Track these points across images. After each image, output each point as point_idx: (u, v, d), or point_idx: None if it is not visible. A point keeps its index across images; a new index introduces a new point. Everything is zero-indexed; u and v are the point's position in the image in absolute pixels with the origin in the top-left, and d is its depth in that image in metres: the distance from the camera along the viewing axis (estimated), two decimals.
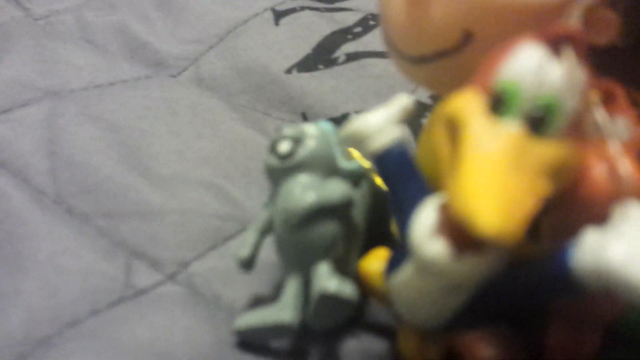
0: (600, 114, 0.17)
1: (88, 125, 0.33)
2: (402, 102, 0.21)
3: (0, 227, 0.27)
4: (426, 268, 0.17)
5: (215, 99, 0.37)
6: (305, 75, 0.38)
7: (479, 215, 0.15)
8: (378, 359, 0.23)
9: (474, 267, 0.17)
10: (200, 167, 0.31)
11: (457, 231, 0.17)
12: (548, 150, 0.16)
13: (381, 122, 0.20)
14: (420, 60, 0.20)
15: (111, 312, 0.24)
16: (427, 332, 0.22)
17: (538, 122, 0.16)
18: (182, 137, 0.33)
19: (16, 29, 0.43)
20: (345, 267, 0.23)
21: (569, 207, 0.17)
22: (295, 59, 0.39)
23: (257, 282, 0.25)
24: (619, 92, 0.19)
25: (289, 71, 0.38)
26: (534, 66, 0.16)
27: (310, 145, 0.23)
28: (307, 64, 0.39)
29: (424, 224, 0.17)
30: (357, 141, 0.20)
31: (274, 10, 0.43)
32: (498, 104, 0.16)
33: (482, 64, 0.17)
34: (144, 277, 0.25)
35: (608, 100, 0.18)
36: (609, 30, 0.20)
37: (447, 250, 0.17)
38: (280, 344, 0.23)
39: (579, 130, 0.17)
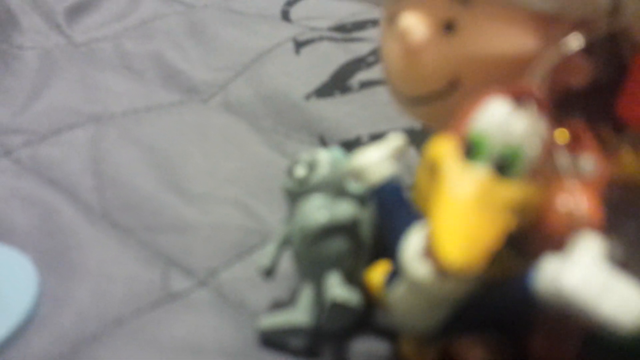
0: (562, 155, 0.20)
1: (128, 147, 0.37)
2: (395, 141, 0.24)
3: (54, 239, 0.31)
4: (415, 286, 0.21)
5: (242, 123, 0.41)
6: (323, 102, 0.41)
7: (445, 251, 0.18)
8: (382, 359, 0.26)
9: (454, 286, 0.20)
10: (228, 186, 0.35)
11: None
12: (512, 191, 0.19)
13: (377, 160, 0.24)
14: (414, 100, 0.23)
15: (151, 313, 0.28)
16: (425, 336, 0.25)
17: (504, 167, 0.19)
18: (212, 158, 0.37)
19: (60, 55, 0.47)
20: (353, 278, 0.26)
21: (536, 236, 0.20)
22: (313, 86, 0.42)
23: (277, 289, 0.28)
24: (585, 131, 0.22)
25: (307, 97, 0.41)
26: (500, 119, 0.19)
27: (322, 170, 0.26)
28: (324, 91, 0.42)
29: (413, 248, 0.21)
30: (357, 175, 0.24)
31: (295, 41, 0.47)
32: (470, 151, 0.19)
33: (458, 114, 0.20)
34: (178, 283, 0.29)
35: (574, 139, 0.22)
36: (582, 74, 0.23)
37: (432, 272, 0.20)
38: (296, 343, 0.26)
39: (542, 171, 0.20)
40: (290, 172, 0.27)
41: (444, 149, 0.20)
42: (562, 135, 0.21)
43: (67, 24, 0.51)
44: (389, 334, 0.26)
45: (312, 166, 0.26)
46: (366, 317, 0.27)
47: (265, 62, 0.46)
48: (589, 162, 0.21)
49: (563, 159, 0.21)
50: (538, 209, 0.20)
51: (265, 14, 0.53)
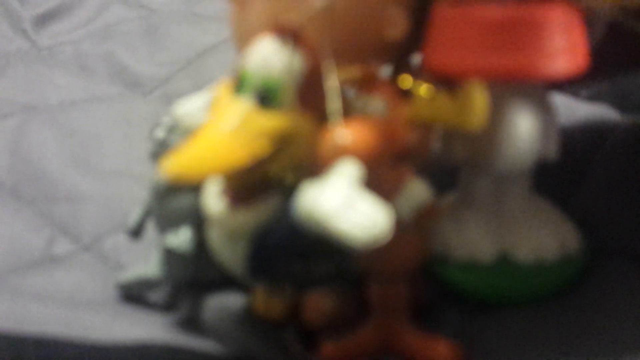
0: (354, 96, 0.21)
1: (50, 131, 0.39)
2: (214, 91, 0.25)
3: None
4: (213, 221, 0.22)
5: None
6: None
7: (174, 163, 0.19)
8: (235, 313, 0.27)
9: (244, 217, 0.22)
10: (139, 164, 0.36)
11: (233, 192, 0.22)
12: (270, 121, 0.20)
13: (193, 108, 0.25)
14: None
15: (29, 271, 0.29)
16: (272, 290, 0.26)
17: (265, 99, 0.20)
18: (132, 141, 0.39)
19: (17, 57, 0.50)
20: None
21: (314, 168, 0.21)
22: None
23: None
24: (378, 76, 0.23)
25: None
26: (262, 55, 0.21)
27: (181, 131, 0.27)
28: None
29: (212, 189, 0.22)
30: (177, 124, 0.25)
31: None
32: (238, 86, 0.21)
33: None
34: (62, 247, 0.31)
35: (369, 82, 0.22)
36: (398, 27, 0.24)
37: (224, 206, 0.22)
38: (155, 298, 0.28)
39: (310, 105, 0.21)
40: (151, 134, 0.28)
41: (223, 87, 0.21)
42: (354, 77, 0.22)
43: (34, 30, 0.54)
44: (245, 288, 0.27)
45: (171, 128, 0.28)
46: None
47: (208, 57, 0.48)
48: (379, 103, 0.22)
49: (354, 100, 0.22)
50: (310, 140, 0.21)
51: (222, 16, 0.55)
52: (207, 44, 0.49)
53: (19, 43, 0.52)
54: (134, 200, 0.33)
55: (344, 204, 0.18)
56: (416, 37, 0.24)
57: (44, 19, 0.56)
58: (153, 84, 0.47)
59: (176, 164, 0.19)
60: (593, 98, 0.38)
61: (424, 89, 0.23)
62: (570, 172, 0.32)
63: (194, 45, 0.50)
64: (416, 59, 0.26)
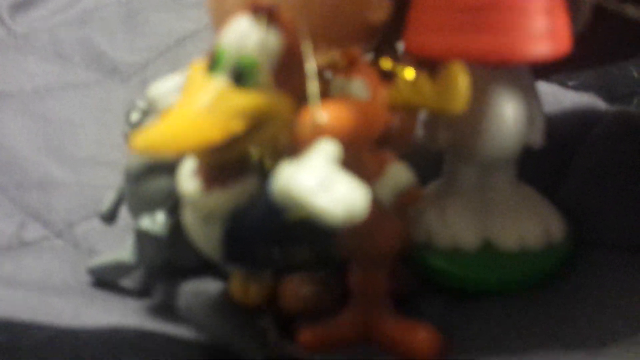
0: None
1: (24, 118, 0.38)
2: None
3: None
4: (188, 202, 0.21)
5: None
6: None
7: (146, 137, 0.19)
8: (211, 298, 0.26)
9: (219, 198, 0.21)
10: (113, 151, 0.36)
11: (207, 173, 0.21)
12: (244, 99, 0.19)
13: (167, 90, 0.24)
14: None
15: None
16: (250, 275, 0.25)
17: (240, 77, 0.19)
18: (107, 128, 0.38)
19: None
20: None
21: (292, 148, 0.20)
22: None
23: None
24: (359, 58, 0.22)
25: None
26: (236, 33, 0.20)
27: (155, 112, 0.26)
28: None
29: (186, 168, 0.21)
30: (151, 106, 0.24)
31: None
32: (212, 64, 0.20)
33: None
34: (33, 233, 0.30)
35: (349, 64, 0.22)
36: (382, 11, 0.24)
37: (198, 186, 0.21)
38: (127, 283, 0.27)
39: (288, 85, 0.20)
40: (126, 117, 0.27)
41: (197, 65, 0.20)
42: (334, 59, 0.21)
43: (10, 17, 0.53)
44: (222, 274, 0.26)
45: (146, 111, 0.27)
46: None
47: (187, 44, 0.47)
48: (359, 84, 0.21)
49: (334, 81, 0.21)
50: (287, 120, 0.20)
51: (202, 2, 0.54)
52: (187, 30, 0.49)
53: None
54: (109, 187, 0.33)
55: (321, 182, 0.18)
56: (399, 21, 0.24)
57: (20, 5, 0.54)
58: (131, 71, 0.45)
59: (147, 140, 0.18)
60: (579, 88, 0.37)
61: (405, 72, 0.22)
62: (556, 161, 0.31)
63: (173, 32, 0.49)
64: (399, 44, 0.25)
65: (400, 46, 0.25)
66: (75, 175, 0.33)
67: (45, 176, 0.34)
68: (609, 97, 0.37)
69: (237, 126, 0.19)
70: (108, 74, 0.45)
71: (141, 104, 0.27)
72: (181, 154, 0.21)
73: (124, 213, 0.27)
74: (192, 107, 0.19)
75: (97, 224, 0.30)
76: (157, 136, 0.19)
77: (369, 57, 0.24)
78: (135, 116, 0.27)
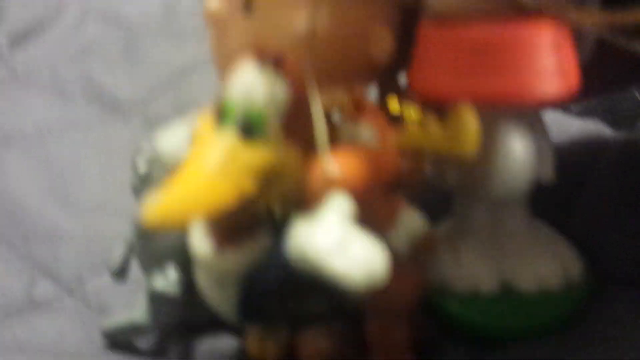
0: (342, 124, 0.20)
1: (27, 161, 0.38)
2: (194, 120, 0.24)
3: None
4: (201, 263, 0.21)
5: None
6: None
7: (153, 208, 0.18)
8: (228, 356, 0.26)
9: (232, 259, 0.21)
10: (121, 197, 0.35)
11: (219, 232, 0.21)
12: (255, 156, 0.19)
13: (174, 146, 0.23)
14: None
15: (11, 320, 0.28)
16: (267, 331, 0.25)
17: (249, 130, 0.19)
18: (112, 172, 0.38)
19: None
20: None
21: (303, 201, 0.20)
22: None
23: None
24: (366, 102, 0.22)
25: None
26: (244, 85, 0.19)
27: (163, 166, 0.26)
28: None
29: (198, 228, 0.21)
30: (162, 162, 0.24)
31: None
32: (220, 117, 0.19)
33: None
34: (44, 291, 0.29)
35: (357, 109, 0.21)
36: (384, 48, 0.23)
37: (210, 247, 0.20)
38: (142, 343, 0.26)
39: (296, 134, 0.20)
40: (133, 168, 0.27)
41: (203, 120, 0.20)
42: (342, 104, 0.21)
43: (10, 52, 0.52)
44: (237, 331, 0.26)
45: (153, 161, 0.26)
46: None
47: (188, 76, 0.47)
48: (368, 131, 0.21)
49: (342, 127, 0.21)
50: (306, 173, 0.20)
51: (202, 32, 0.54)
52: (187, 61, 0.48)
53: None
54: (116, 236, 0.32)
55: (338, 244, 0.17)
56: (403, 56, 0.23)
57: (20, 39, 0.54)
58: (132, 107, 0.45)
59: (159, 209, 0.18)
60: (583, 113, 0.37)
61: (412, 114, 0.22)
62: (564, 193, 0.31)
63: (174, 63, 0.48)
64: (403, 79, 0.25)
65: (404, 81, 0.25)
66: (82, 224, 0.33)
67: (52, 227, 0.33)
68: (613, 121, 0.37)
69: (249, 185, 0.19)
70: (110, 111, 0.45)
71: (147, 151, 0.26)
72: (194, 220, 0.21)
73: (134, 266, 0.27)
74: (203, 168, 0.19)
75: (107, 279, 0.30)
76: (169, 204, 0.18)
77: (374, 96, 0.24)
78: (142, 168, 0.26)
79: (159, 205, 0.18)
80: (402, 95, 0.24)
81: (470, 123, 0.21)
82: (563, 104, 0.37)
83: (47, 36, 0.54)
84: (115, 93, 0.46)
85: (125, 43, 0.52)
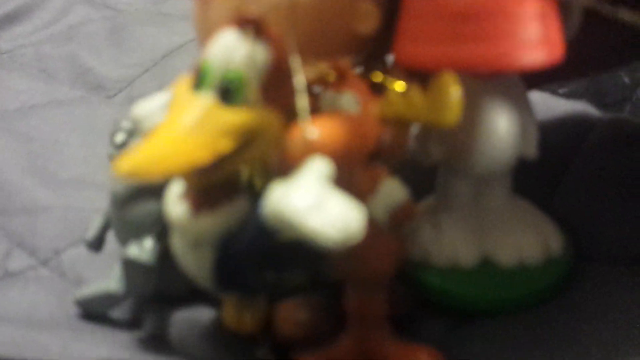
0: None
1: (8, 137, 0.37)
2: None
3: None
4: (176, 227, 0.20)
5: None
6: None
7: (130, 159, 0.18)
8: (204, 327, 0.25)
9: (208, 222, 0.20)
10: (100, 172, 0.35)
11: (195, 196, 0.20)
12: (232, 117, 0.19)
13: (152, 110, 0.23)
14: None
15: None
16: (243, 302, 0.25)
17: (227, 93, 0.19)
18: (93, 147, 0.37)
19: None
20: None
21: (282, 167, 0.19)
22: None
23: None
24: (349, 71, 0.21)
25: None
26: (223, 49, 0.19)
27: (140, 134, 0.26)
28: None
29: (173, 192, 0.21)
30: (136, 126, 0.23)
31: None
32: (198, 81, 0.19)
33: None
34: (18, 262, 0.29)
35: (340, 78, 0.21)
36: (370, 21, 0.23)
37: (186, 210, 0.20)
38: (117, 315, 0.26)
39: (277, 101, 0.19)
40: (111, 138, 0.26)
41: (181, 83, 0.19)
42: (324, 72, 0.21)
43: None
44: (214, 302, 0.26)
45: (131, 132, 0.26)
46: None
47: (174, 58, 0.46)
48: (349, 98, 0.21)
49: (324, 95, 0.21)
50: (277, 138, 0.19)
51: (189, 16, 0.53)
52: (174, 44, 0.48)
53: None
54: (95, 211, 0.32)
55: (314, 202, 0.17)
56: (388, 32, 0.23)
57: (5, 21, 0.53)
58: (117, 87, 0.45)
59: (131, 163, 0.18)
60: (570, 95, 0.37)
61: (396, 84, 0.22)
62: (549, 172, 0.31)
63: (160, 46, 0.48)
64: (390, 57, 0.24)
65: (390, 58, 0.24)
66: (61, 198, 0.33)
67: (30, 200, 0.33)
68: (600, 104, 0.36)
69: (224, 146, 0.18)
70: (93, 91, 0.45)
71: (126, 124, 0.26)
72: (167, 177, 0.20)
73: (111, 238, 0.26)
74: (178, 127, 0.19)
75: (83, 250, 0.29)
76: (141, 159, 0.18)
77: (359, 70, 0.24)
78: (120, 137, 0.26)
79: (132, 160, 0.18)
80: (387, 69, 0.24)
81: (452, 91, 0.21)
82: (551, 86, 0.37)
83: (34, 19, 0.54)
84: (100, 73, 0.46)
85: (112, 26, 0.52)
